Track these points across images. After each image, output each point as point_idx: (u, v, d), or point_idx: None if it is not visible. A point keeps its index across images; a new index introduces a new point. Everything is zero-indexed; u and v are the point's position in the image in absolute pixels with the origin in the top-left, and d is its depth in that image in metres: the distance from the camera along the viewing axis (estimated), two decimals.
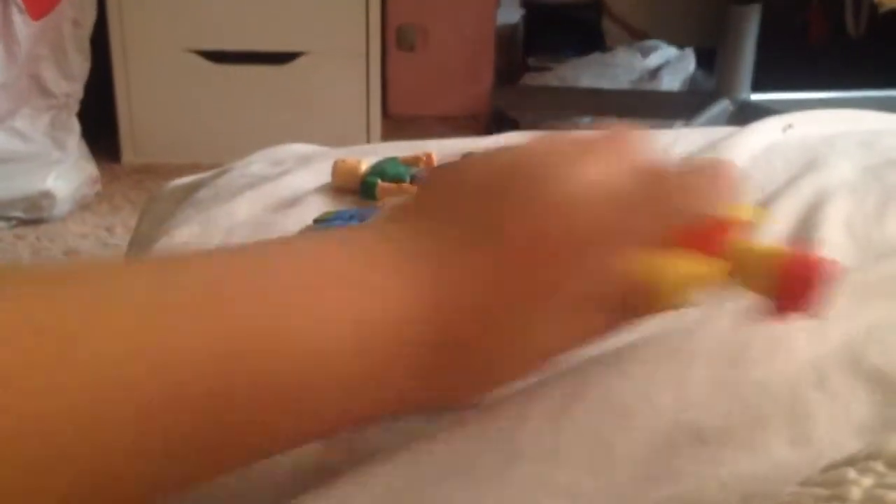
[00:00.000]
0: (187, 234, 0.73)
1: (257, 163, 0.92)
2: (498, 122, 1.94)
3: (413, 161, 0.79)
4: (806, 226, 0.60)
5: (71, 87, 1.71)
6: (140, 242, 0.79)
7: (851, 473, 0.30)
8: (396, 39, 2.09)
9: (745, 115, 1.72)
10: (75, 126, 1.73)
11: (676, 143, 0.84)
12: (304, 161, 0.85)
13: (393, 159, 0.79)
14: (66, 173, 1.68)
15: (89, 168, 1.75)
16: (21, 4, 1.58)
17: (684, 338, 0.44)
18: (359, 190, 0.78)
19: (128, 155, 1.90)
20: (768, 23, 1.81)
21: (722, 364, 0.45)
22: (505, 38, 2.19)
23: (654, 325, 0.43)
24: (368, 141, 1.92)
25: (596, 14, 2.32)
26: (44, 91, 1.68)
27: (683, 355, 0.44)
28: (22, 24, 1.60)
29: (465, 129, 2.00)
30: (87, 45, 1.72)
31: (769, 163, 0.75)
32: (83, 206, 1.72)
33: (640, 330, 0.44)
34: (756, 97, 1.80)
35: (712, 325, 0.45)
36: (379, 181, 0.76)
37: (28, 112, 1.67)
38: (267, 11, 1.84)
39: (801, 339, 0.47)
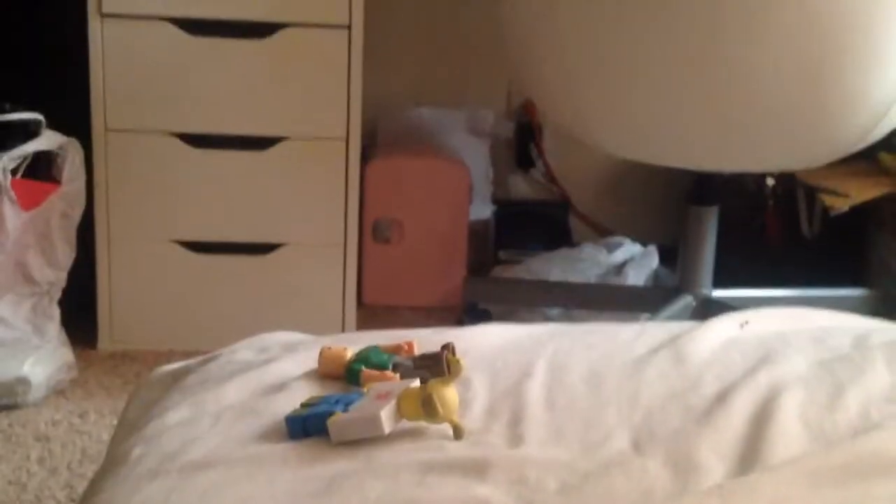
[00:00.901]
0: (177, 417, 0.76)
1: (243, 349, 0.96)
2: (470, 313, 1.99)
3: (395, 349, 0.84)
4: (763, 416, 0.64)
5: (55, 275, 1.75)
6: (128, 425, 0.81)
7: None
8: (373, 232, 2.17)
9: (707, 309, 1.78)
10: (56, 313, 1.76)
11: (642, 335, 0.89)
12: (290, 349, 0.89)
13: (376, 348, 0.83)
14: (43, 359, 1.69)
15: (66, 354, 1.77)
16: (13, 195, 1.64)
17: None
18: (344, 376, 0.82)
19: (104, 341, 1.92)
20: (727, 223, 1.89)
21: None
22: (477, 232, 2.28)
23: (629, 502, 0.46)
24: (343, 329, 1.96)
25: (563, 211, 2.42)
26: (28, 279, 1.72)
27: None
28: (12, 214, 1.66)
29: (439, 319, 2.05)
30: (73, 236, 1.77)
31: (728, 356, 0.80)
32: (57, 391, 1.73)
33: None
34: (717, 293, 1.87)
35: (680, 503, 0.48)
36: (363, 368, 0.80)
37: (11, 298, 1.70)
38: (249, 205, 1.92)
39: None
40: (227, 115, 1.89)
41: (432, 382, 0.70)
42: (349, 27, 1.86)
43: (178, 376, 0.88)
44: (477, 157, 2.33)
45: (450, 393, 0.69)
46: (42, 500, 1.40)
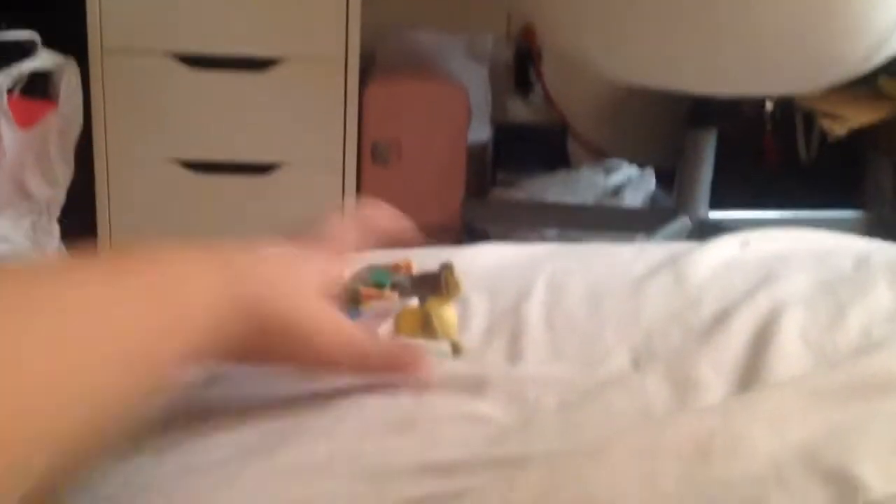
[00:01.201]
0: None
1: None
2: (469, 234, 1.99)
3: (393, 268, 0.84)
4: (763, 335, 0.65)
5: (53, 192, 1.75)
6: None
7: None
8: (371, 154, 2.16)
9: (703, 231, 1.79)
10: (55, 230, 1.76)
11: (641, 255, 0.89)
12: None
13: (375, 267, 0.83)
14: None
15: None
16: (10, 114, 1.63)
17: (655, 432, 0.48)
18: (342, 296, 0.82)
19: None
20: (725, 146, 1.89)
21: (689, 461, 0.49)
22: (475, 154, 2.27)
23: (629, 419, 0.47)
24: None
25: (561, 134, 2.41)
26: (26, 196, 1.71)
27: (655, 451, 0.48)
28: (9, 132, 1.65)
29: (438, 240, 2.05)
30: (71, 154, 1.76)
31: (728, 277, 0.80)
32: None
33: (615, 422, 0.48)
34: (713, 215, 1.87)
35: (680, 420, 0.49)
36: (361, 287, 0.80)
37: (10, 215, 1.70)
38: (248, 125, 1.91)
39: (760, 437, 0.51)
40: (225, 36, 1.86)
41: (430, 301, 0.70)
42: None
43: None
44: (476, 81, 2.31)
45: (448, 311, 0.69)
46: None
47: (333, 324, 0.61)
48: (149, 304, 0.49)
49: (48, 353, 0.41)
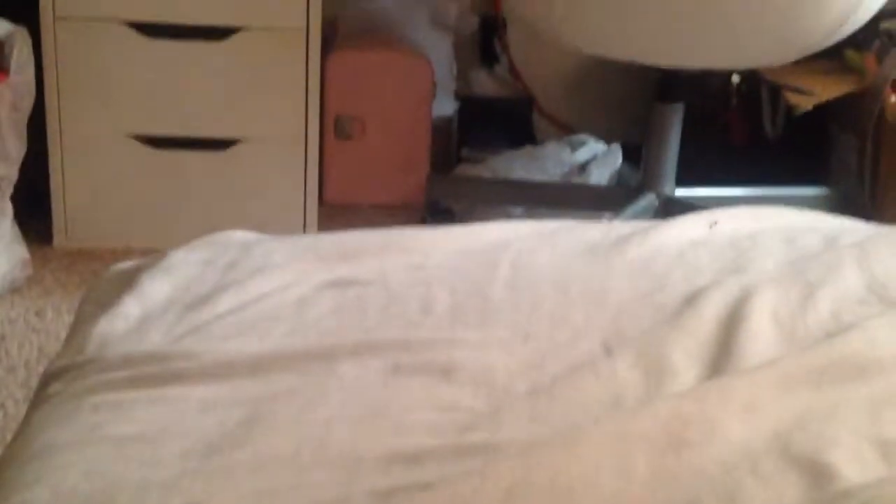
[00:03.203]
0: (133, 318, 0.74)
1: (201, 248, 0.93)
2: (433, 211, 1.97)
3: None
4: (734, 317, 0.64)
5: (6, 169, 1.70)
6: (83, 321, 0.79)
7: None
8: (334, 128, 2.13)
9: (670, 209, 1.78)
10: (8, 209, 1.72)
11: (608, 234, 0.88)
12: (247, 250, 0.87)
13: None
14: None
15: (21, 251, 1.73)
16: None
17: (629, 420, 0.47)
18: None
19: (59, 238, 1.88)
20: (691, 122, 1.88)
21: (662, 448, 0.47)
22: (440, 129, 2.24)
23: (601, 405, 0.45)
24: (304, 228, 1.93)
25: (526, 109, 2.39)
26: None
27: (627, 439, 0.46)
28: None
29: (401, 218, 2.03)
30: (23, 129, 1.71)
31: (697, 257, 0.79)
32: (13, 289, 1.70)
33: (586, 408, 0.46)
34: (680, 192, 1.87)
35: (653, 407, 0.48)
36: None
37: None
38: (206, 98, 1.86)
39: (733, 423, 0.49)
40: (183, 4, 1.82)
41: None
42: None
43: (131, 274, 0.86)
44: (440, 52, 2.28)
45: None
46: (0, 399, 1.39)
47: None
48: None
49: None
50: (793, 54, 1.67)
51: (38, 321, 1.61)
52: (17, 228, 1.75)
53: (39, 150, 1.79)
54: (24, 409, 1.35)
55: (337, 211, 2.11)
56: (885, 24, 1.85)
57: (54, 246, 1.87)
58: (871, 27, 1.75)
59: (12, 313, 1.63)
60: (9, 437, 1.26)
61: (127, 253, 1.85)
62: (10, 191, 1.73)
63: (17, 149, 1.72)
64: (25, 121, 1.72)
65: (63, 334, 1.57)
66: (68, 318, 1.61)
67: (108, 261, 1.85)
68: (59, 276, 1.77)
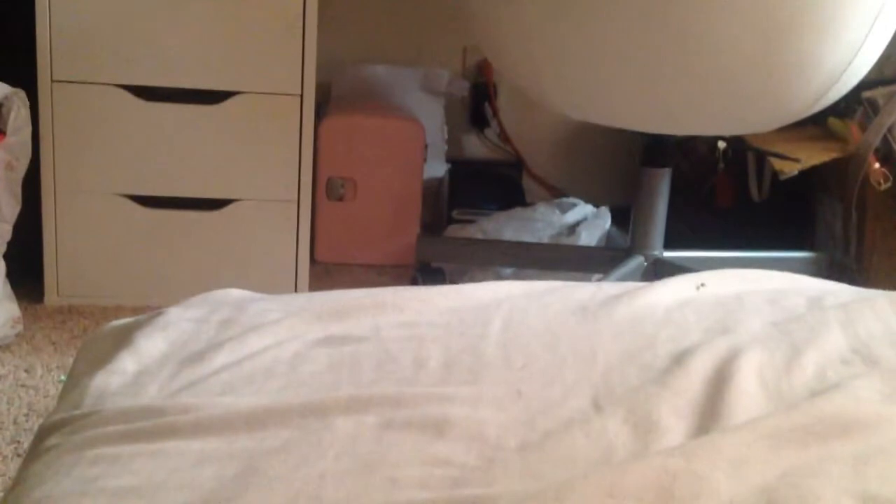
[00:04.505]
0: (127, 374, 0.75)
1: (194, 307, 0.94)
2: (423, 272, 1.98)
3: None
4: (721, 377, 0.65)
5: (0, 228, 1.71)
6: (79, 376, 0.80)
7: None
8: (326, 189, 2.15)
9: (658, 270, 1.80)
10: (1, 267, 1.73)
11: (597, 294, 0.89)
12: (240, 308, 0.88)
13: None
14: None
15: (12, 308, 1.73)
16: None
17: (618, 475, 0.48)
18: None
19: (51, 296, 1.89)
20: (678, 186, 1.91)
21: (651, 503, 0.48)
22: (431, 191, 2.27)
23: (591, 461, 0.46)
24: (296, 287, 1.95)
25: (516, 171, 2.42)
26: None
27: (617, 494, 0.47)
28: None
29: (392, 278, 2.05)
30: (18, 188, 1.73)
31: (684, 316, 0.80)
32: (3, 346, 1.70)
33: (576, 463, 0.47)
34: (668, 254, 1.88)
35: (643, 462, 0.49)
36: None
37: None
38: (201, 159, 1.89)
39: (721, 479, 0.50)
40: (179, 68, 1.85)
41: None
42: None
43: (126, 331, 0.86)
44: (431, 116, 2.32)
45: None
46: None
47: None
48: None
49: None
50: (777, 122, 1.70)
51: (27, 378, 1.61)
52: (8, 286, 1.75)
53: (32, 209, 1.80)
54: (12, 465, 1.34)
55: (328, 270, 2.12)
56: (867, 94, 1.90)
57: (45, 303, 1.88)
58: (854, 96, 1.80)
59: (2, 370, 1.63)
60: None
61: (118, 311, 1.86)
62: (2, 249, 1.73)
63: (10, 208, 1.73)
64: (20, 181, 1.74)
65: (53, 392, 1.57)
66: (58, 375, 1.62)
67: (98, 319, 1.86)
68: (49, 334, 1.78)
